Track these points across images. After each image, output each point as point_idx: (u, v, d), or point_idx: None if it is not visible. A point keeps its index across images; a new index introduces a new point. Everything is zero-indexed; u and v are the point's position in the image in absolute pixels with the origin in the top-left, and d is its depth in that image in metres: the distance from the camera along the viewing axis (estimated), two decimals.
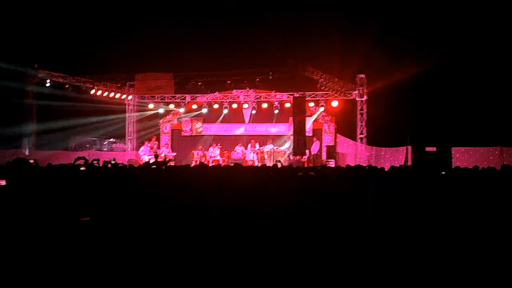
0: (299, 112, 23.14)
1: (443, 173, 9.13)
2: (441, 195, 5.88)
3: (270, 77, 23.52)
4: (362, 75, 23.65)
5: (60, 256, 3.89)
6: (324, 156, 25.13)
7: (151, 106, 27.65)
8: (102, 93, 25.93)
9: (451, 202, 5.47)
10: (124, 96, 27.18)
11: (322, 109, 25.29)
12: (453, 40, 20.64)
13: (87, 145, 28.94)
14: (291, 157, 23.67)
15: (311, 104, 25.23)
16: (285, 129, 26.37)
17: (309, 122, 25.17)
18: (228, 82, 24.48)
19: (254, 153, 24.81)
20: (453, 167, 13.93)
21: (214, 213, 5.05)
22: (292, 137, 23.74)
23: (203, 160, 23.77)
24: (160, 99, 27.12)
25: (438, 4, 21.56)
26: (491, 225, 4.80)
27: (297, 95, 24.08)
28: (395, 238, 4.61)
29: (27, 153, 22.86)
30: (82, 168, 8.68)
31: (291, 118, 24.60)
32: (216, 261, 4.30)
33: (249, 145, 25.33)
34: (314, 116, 25.85)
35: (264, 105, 26.04)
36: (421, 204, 5.39)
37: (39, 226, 3.93)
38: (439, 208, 5.26)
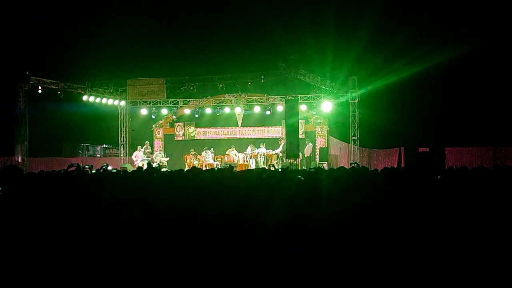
0: (291, 115, 23.15)
1: (436, 174, 9.14)
2: (435, 195, 5.89)
3: (262, 81, 23.55)
4: (354, 77, 23.65)
5: (53, 259, 3.88)
6: (317, 158, 25.20)
7: (143, 111, 27.62)
8: (94, 99, 25.87)
9: (444, 203, 5.48)
10: (116, 102, 27.10)
11: (314, 111, 25.37)
12: (449, 40, 20.70)
13: (80, 151, 28.87)
14: (284, 160, 23.70)
15: (304, 107, 25.25)
16: (277, 132, 26.41)
17: (301, 125, 25.22)
18: (220, 86, 24.49)
19: (247, 156, 24.82)
20: (446, 167, 13.96)
21: (209, 216, 5.05)
22: (284, 140, 23.75)
23: (196, 164, 23.74)
24: (152, 104, 27.08)
25: (430, 6, 21.64)
26: (485, 225, 4.82)
27: (289, 98, 24.09)
28: (391, 240, 4.62)
29: (20, 160, 22.75)
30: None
31: (283, 121, 24.64)
32: (212, 265, 4.29)
33: (243, 149, 25.34)
34: (307, 119, 25.94)
35: (257, 109, 26.06)
36: (415, 204, 5.40)
37: (32, 231, 3.91)
38: (433, 209, 5.26)
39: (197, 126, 27.77)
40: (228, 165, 22.14)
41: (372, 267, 4.22)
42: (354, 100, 23.73)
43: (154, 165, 23.69)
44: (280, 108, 25.44)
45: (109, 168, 12.78)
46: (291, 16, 24.88)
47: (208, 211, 5.19)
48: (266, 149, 24.85)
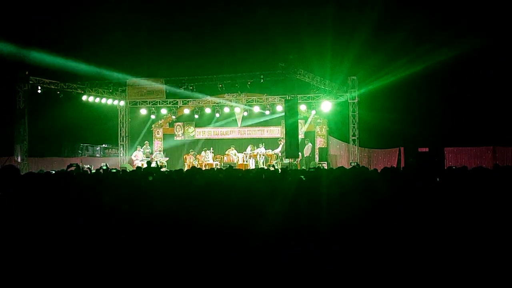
0: (291, 115, 23.12)
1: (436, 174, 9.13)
2: (435, 195, 5.89)
3: (262, 81, 23.51)
4: (354, 77, 23.62)
5: (53, 259, 3.87)
6: (316, 158, 25.19)
7: (143, 111, 27.64)
8: (94, 99, 25.86)
9: (444, 203, 5.47)
10: (116, 102, 27.09)
11: (314, 111, 25.35)
12: (448, 39, 20.68)
13: (80, 151, 28.83)
14: (284, 160, 23.69)
15: (303, 107, 25.23)
16: (277, 132, 26.41)
17: (301, 125, 25.22)
18: (220, 86, 24.45)
19: (246, 156, 24.81)
20: (446, 167, 13.96)
21: (208, 216, 5.04)
22: (284, 140, 23.73)
23: (195, 164, 23.73)
24: (152, 104, 27.09)
25: (429, 7, 21.63)
26: (485, 225, 4.81)
27: (289, 98, 24.07)
28: (391, 239, 4.61)
29: (19, 160, 22.73)
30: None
31: (283, 121, 24.61)
32: (211, 265, 4.28)
33: (242, 149, 25.34)
34: (306, 119, 25.92)
35: (256, 109, 26.06)
36: (415, 204, 5.40)
37: (31, 231, 3.91)
38: (433, 209, 5.26)
39: (196, 126, 27.78)
40: (228, 165, 22.15)
41: (372, 267, 4.21)
42: (354, 100, 23.73)
43: (154, 164, 23.69)
44: (279, 108, 25.44)
45: (109, 168, 12.75)
46: (290, 15, 24.87)
47: (208, 211, 5.18)
48: (266, 149, 24.83)
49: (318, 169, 11.79)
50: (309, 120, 25.97)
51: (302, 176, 6.98)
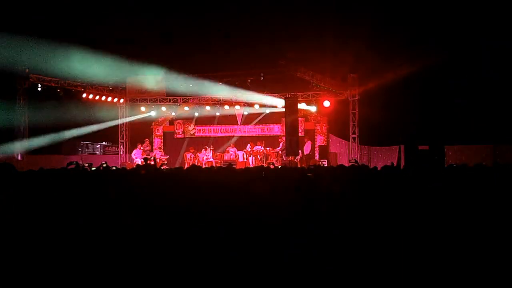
0: (291, 113, 23.14)
1: (437, 172, 9.11)
2: (435, 193, 5.87)
3: (262, 78, 23.52)
4: (354, 75, 23.62)
5: (53, 260, 3.86)
6: (317, 156, 25.19)
7: (143, 109, 27.60)
8: (94, 96, 25.85)
9: (445, 200, 5.46)
10: (116, 99, 27.09)
11: (314, 109, 25.35)
12: (446, 39, 20.64)
13: (80, 149, 28.82)
14: (284, 158, 23.69)
15: (303, 105, 25.22)
16: (277, 130, 26.41)
17: (301, 123, 25.22)
18: (220, 83, 24.46)
19: (246, 154, 24.81)
20: (446, 165, 13.94)
21: (208, 216, 5.03)
22: (284, 138, 23.75)
23: (195, 162, 23.73)
24: (152, 102, 27.06)
25: (429, 5, 21.58)
26: (485, 223, 4.80)
27: (289, 96, 24.08)
28: (391, 238, 4.60)
29: (19, 158, 22.74)
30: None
31: (283, 119, 24.62)
32: (211, 265, 4.27)
33: (242, 147, 25.34)
34: (306, 117, 25.93)
35: (256, 106, 26.05)
36: (415, 202, 5.39)
37: (30, 231, 3.89)
38: (433, 207, 5.25)
39: (196, 123, 27.78)
40: (228, 163, 22.15)
41: (372, 267, 4.20)
42: (354, 97, 23.73)
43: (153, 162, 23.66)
44: (279, 106, 25.45)
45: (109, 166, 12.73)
46: (291, 13, 24.82)
47: (207, 211, 5.17)
48: (265, 147, 24.83)
49: (317, 167, 11.76)
50: (308, 116, 25.97)
51: (309, 174, 6.96)
